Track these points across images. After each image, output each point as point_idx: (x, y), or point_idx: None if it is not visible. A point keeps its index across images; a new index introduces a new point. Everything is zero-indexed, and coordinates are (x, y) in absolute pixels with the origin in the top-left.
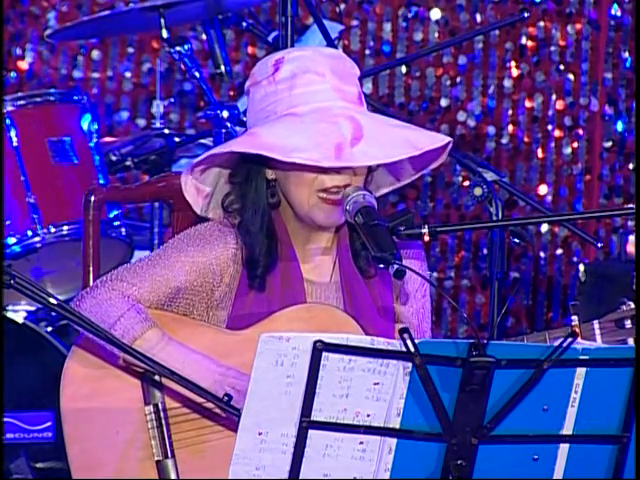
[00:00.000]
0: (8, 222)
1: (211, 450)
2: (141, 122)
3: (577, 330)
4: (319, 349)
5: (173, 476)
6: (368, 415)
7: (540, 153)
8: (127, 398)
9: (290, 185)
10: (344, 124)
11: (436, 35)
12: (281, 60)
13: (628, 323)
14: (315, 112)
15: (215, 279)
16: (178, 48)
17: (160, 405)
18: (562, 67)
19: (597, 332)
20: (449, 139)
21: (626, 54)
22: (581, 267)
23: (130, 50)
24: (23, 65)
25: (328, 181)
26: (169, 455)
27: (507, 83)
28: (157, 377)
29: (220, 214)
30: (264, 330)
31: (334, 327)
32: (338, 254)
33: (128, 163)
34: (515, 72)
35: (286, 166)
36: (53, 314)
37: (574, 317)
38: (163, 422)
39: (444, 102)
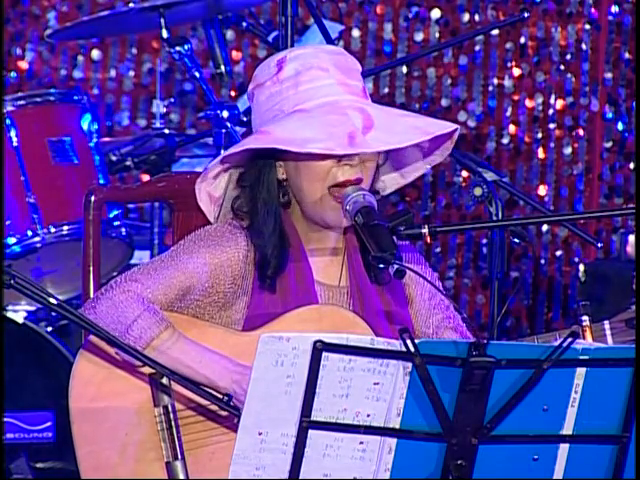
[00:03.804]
0: (8, 222)
1: (220, 451)
2: (141, 122)
3: (588, 330)
4: (319, 349)
5: (182, 477)
6: (368, 415)
7: (540, 153)
8: (136, 399)
9: (302, 182)
10: (353, 115)
11: (437, 35)
12: (283, 59)
13: None
14: (323, 106)
15: (226, 280)
16: (178, 48)
17: (170, 407)
18: (562, 67)
19: (608, 332)
20: (457, 126)
21: (626, 54)
22: (581, 267)
23: (130, 50)
24: (23, 65)
25: (340, 175)
26: (178, 457)
27: (507, 83)
28: (165, 379)
29: (228, 219)
30: (274, 331)
31: (344, 328)
32: (347, 256)
33: (128, 163)
34: (515, 72)
35: (299, 161)
36: (53, 314)
37: (585, 317)
38: (173, 424)
39: (445, 102)
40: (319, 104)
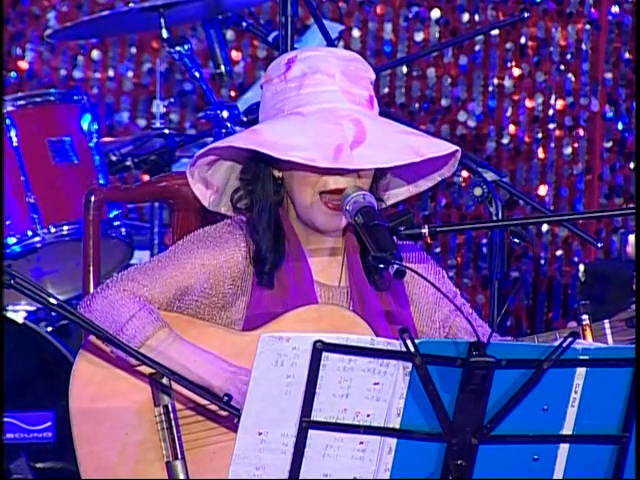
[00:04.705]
0: (8, 222)
1: (221, 451)
2: (141, 122)
3: (588, 329)
4: (319, 349)
5: (182, 477)
6: (368, 415)
7: (540, 153)
8: (136, 399)
9: (294, 184)
10: (348, 126)
11: (437, 35)
12: (293, 59)
13: None
14: (320, 112)
15: (225, 281)
16: (178, 48)
17: (170, 406)
18: (562, 67)
19: (608, 331)
20: (455, 148)
21: (626, 54)
22: (581, 267)
23: (130, 50)
24: (23, 65)
25: (332, 183)
26: (179, 456)
27: (507, 83)
28: (165, 378)
29: (228, 217)
30: (273, 331)
31: (344, 327)
32: (346, 255)
33: (128, 163)
34: (515, 72)
35: (289, 165)
36: (53, 314)
37: (585, 316)
38: (173, 423)
39: (445, 102)
40: (316, 110)
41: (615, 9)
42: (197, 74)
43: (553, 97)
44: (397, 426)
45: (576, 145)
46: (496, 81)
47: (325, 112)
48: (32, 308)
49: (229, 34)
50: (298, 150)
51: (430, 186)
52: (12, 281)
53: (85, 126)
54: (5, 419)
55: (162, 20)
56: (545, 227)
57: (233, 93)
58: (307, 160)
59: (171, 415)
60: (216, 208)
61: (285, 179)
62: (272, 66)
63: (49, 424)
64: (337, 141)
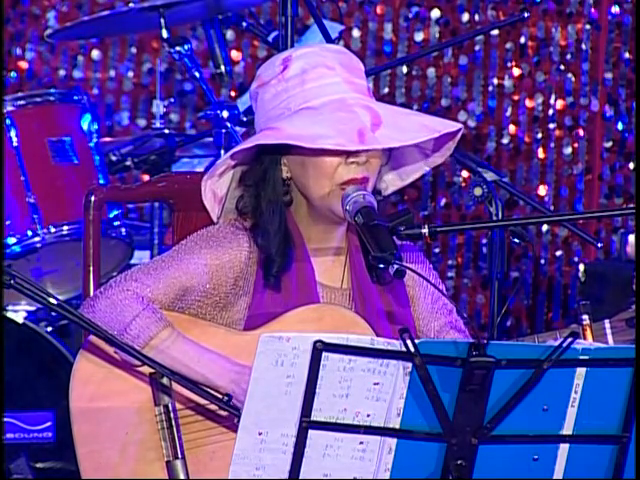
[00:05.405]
0: (8, 222)
1: (221, 451)
2: (141, 122)
3: (588, 329)
4: (319, 349)
5: (183, 477)
6: (368, 415)
7: (540, 153)
8: (137, 399)
9: (309, 179)
10: (361, 112)
11: (437, 35)
12: (289, 58)
13: None
14: (330, 104)
15: (228, 282)
16: (178, 48)
17: (170, 406)
18: (562, 67)
19: (608, 331)
20: (460, 125)
21: (626, 54)
22: (581, 267)
23: (130, 50)
24: (23, 65)
25: (346, 174)
26: (179, 456)
27: (507, 83)
28: (166, 378)
29: (231, 219)
30: (274, 330)
31: (344, 327)
32: (349, 255)
33: (128, 163)
34: (515, 72)
35: (306, 158)
36: (53, 314)
37: (585, 316)
38: (173, 423)
39: (445, 102)
40: (326, 101)
41: (615, 9)
42: (197, 74)
43: (553, 97)
44: (397, 426)
45: (576, 145)
46: (496, 81)
47: (335, 103)
48: (32, 308)
49: (229, 34)
50: (324, 138)
51: (423, 173)
52: (12, 281)
53: (85, 126)
54: (5, 419)
55: (162, 20)
56: (545, 227)
57: (233, 93)
58: (336, 146)
59: (171, 415)
60: (218, 220)
61: (296, 177)
62: (264, 70)
63: (49, 424)
64: (357, 126)
